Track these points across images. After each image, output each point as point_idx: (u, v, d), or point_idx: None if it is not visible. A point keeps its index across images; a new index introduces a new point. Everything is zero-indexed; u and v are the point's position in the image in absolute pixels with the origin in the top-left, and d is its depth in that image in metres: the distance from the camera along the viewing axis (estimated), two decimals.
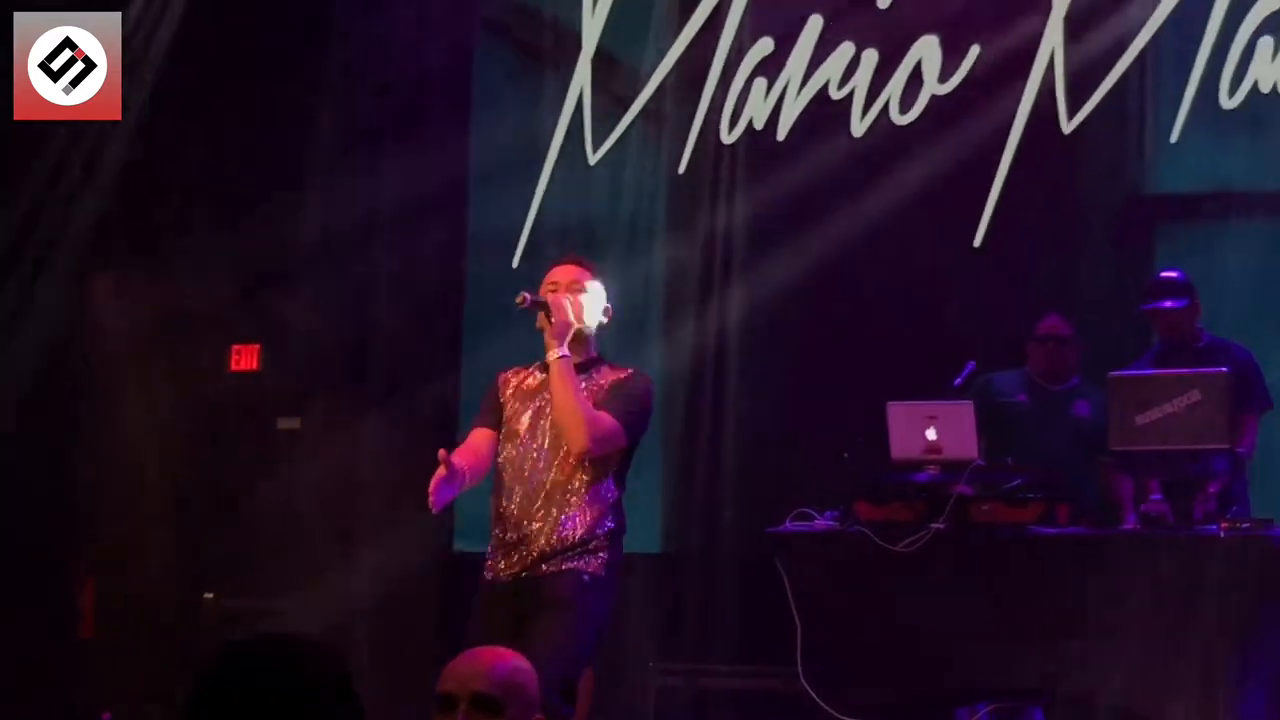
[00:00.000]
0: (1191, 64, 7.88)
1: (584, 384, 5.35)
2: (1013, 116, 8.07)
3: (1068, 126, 8.04)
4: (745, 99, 8.49)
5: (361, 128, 8.83)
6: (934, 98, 8.22)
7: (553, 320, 5.33)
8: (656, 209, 8.68)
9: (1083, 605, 6.32)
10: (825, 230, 8.14)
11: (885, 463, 6.66)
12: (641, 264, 8.49)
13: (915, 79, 8.25)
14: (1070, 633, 6.30)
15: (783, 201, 8.34)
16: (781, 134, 8.44)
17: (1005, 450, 6.99)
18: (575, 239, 8.40)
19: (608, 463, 5.35)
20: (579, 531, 5.28)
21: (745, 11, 8.49)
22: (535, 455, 5.35)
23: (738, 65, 8.50)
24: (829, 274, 8.14)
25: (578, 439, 5.26)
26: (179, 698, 2.43)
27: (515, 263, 8.66)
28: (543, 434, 5.35)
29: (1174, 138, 7.93)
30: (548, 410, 5.35)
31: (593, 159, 8.68)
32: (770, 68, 8.47)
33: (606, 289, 5.50)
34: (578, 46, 8.75)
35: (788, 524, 6.78)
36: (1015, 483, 6.53)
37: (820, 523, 6.75)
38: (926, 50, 8.24)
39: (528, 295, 5.37)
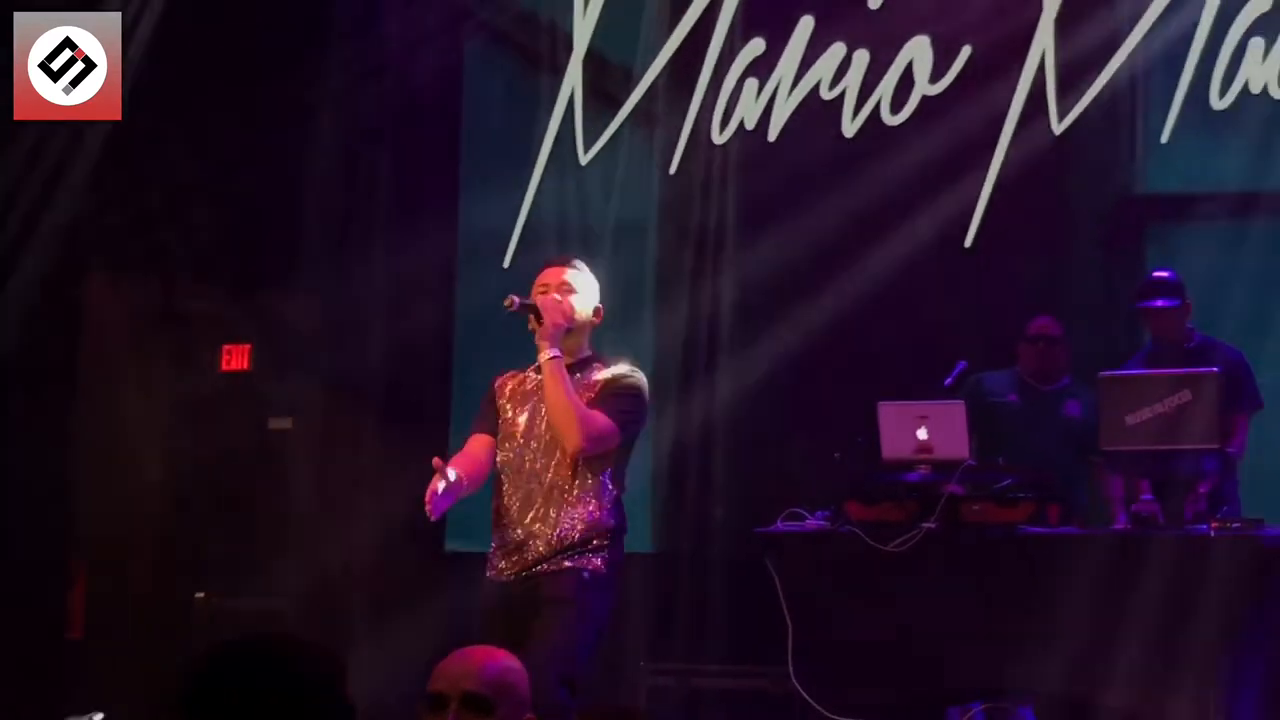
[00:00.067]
0: (1182, 65, 7.89)
1: (577, 383, 5.36)
2: (1003, 117, 8.08)
3: (1058, 127, 8.05)
4: (736, 99, 8.50)
5: (360, 128, 8.82)
6: (925, 98, 8.23)
7: (543, 322, 5.35)
8: (648, 209, 8.69)
9: (1073, 605, 6.32)
10: (816, 231, 8.14)
11: (876, 462, 6.67)
12: (632, 265, 8.49)
13: (906, 80, 8.27)
14: (1061, 632, 6.29)
15: (774, 202, 8.34)
16: (773, 135, 8.45)
17: (996, 450, 7.00)
18: (567, 239, 8.40)
19: (605, 461, 5.36)
20: (579, 531, 5.30)
21: (736, 12, 8.49)
22: (533, 456, 5.37)
23: (729, 66, 8.51)
24: (819, 274, 8.14)
25: (572, 438, 5.29)
26: (170, 698, 2.43)
27: (506, 263, 8.66)
28: (540, 435, 5.37)
29: (1164, 139, 7.94)
30: (544, 411, 5.37)
31: (584, 159, 8.69)
32: (761, 68, 8.48)
33: (597, 290, 5.52)
34: (569, 47, 8.75)
35: (779, 524, 6.77)
36: (1006, 482, 6.53)
37: (811, 523, 6.74)
38: (918, 51, 8.25)
39: (516, 299, 5.38)
